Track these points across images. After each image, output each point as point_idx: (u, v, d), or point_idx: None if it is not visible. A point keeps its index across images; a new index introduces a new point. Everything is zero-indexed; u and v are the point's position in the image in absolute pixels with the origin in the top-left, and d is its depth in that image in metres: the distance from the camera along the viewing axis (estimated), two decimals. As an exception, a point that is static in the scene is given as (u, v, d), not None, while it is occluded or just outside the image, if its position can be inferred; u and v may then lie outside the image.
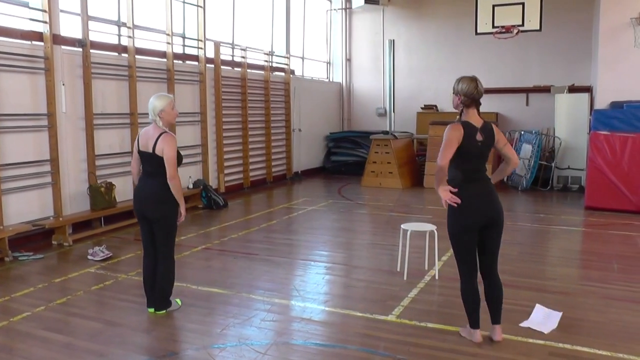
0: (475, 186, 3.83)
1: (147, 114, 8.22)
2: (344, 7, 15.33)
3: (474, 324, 4.01)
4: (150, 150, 4.32)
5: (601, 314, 4.57)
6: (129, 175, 8.23)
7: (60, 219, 6.95)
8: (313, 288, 5.33)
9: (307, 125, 13.65)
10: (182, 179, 8.94)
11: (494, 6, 10.43)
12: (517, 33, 10.41)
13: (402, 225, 5.74)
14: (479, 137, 3.79)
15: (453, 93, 3.87)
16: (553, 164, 11.19)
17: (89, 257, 6.14)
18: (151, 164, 4.37)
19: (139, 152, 4.44)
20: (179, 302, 4.71)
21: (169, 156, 4.27)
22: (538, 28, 10.23)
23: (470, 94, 3.78)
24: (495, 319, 4.01)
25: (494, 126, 3.91)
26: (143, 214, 4.47)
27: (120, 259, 6.24)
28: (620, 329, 4.24)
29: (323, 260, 6.35)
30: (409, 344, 3.99)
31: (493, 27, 10.49)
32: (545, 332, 4.16)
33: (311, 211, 9.21)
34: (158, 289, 4.55)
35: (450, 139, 3.77)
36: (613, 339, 4.05)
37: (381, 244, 7.05)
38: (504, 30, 10.40)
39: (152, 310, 4.58)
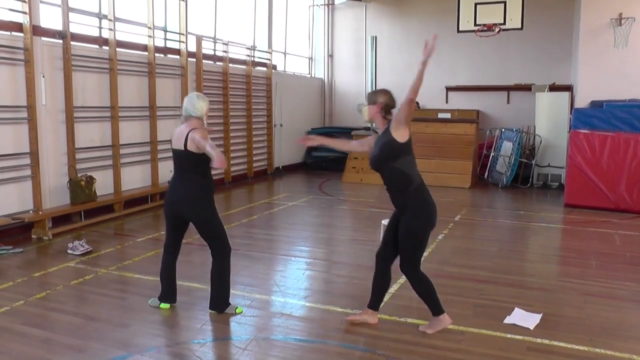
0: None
1: (128, 107, 8.32)
2: (326, 2, 15.31)
3: (440, 310, 4.16)
4: (182, 148, 4.24)
5: (579, 310, 4.64)
6: (109, 169, 8.18)
7: (40, 212, 6.86)
8: (293, 284, 5.34)
9: (288, 120, 13.62)
10: (162, 173, 9.05)
11: (476, 4, 10.50)
12: (498, 31, 10.50)
13: (382, 221, 5.74)
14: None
15: (372, 103, 4.09)
16: (533, 162, 11.32)
17: (69, 251, 6.06)
18: (186, 162, 4.29)
19: (172, 150, 4.37)
20: (240, 310, 4.54)
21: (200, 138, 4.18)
22: (520, 27, 10.33)
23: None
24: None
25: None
26: (179, 214, 4.37)
27: (100, 253, 6.17)
28: (598, 324, 4.31)
29: (303, 255, 6.36)
30: (388, 339, 4.01)
31: (475, 25, 10.56)
32: (531, 328, 4.21)
33: (292, 207, 9.20)
34: (215, 290, 4.47)
35: None
36: (590, 334, 4.12)
37: (362, 240, 7.08)
38: (485, 28, 10.48)
39: (166, 306, 4.55)
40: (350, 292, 5.04)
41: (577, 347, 3.91)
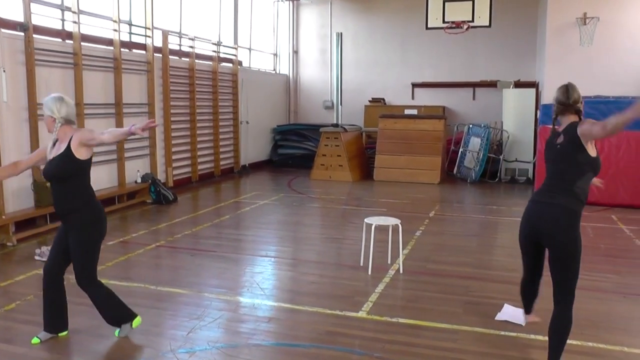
0: (538, 194, 3.56)
1: (94, 104, 7.96)
2: (291, -2, 15.14)
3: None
4: None
5: (566, 304, 4.65)
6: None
7: (3, 217, 6.46)
8: (278, 285, 5.21)
9: (254, 117, 13.39)
10: (129, 173, 8.74)
11: (444, 1, 10.53)
12: (467, 29, 10.56)
13: (365, 220, 5.67)
14: (559, 140, 3.44)
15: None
16: (501, 157, 11.46)
17: (37, 257, 5.72)
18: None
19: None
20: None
21: None
22: (488, 24, 10.41)
23: (559, 100, 3.48)
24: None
25: (578, 124, 3.37)
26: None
27: (70, 259, 5.86)
28: (586, 317, 4.33)
29: (283, 256, 6.23)
30: (383, 341, 3.93)
31: (443, 22, 10.59)
32: (523, 324, 4.19)
33: (263, 205, 9.02)
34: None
35: None
36: (581, 327, 4.10)
37: (339, 238, 6.99)
38: (454, 25, 10.52)
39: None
40: (337, 293, 4.93)
41: (570, 341, 3.84)
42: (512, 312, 4.41)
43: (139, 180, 8.95)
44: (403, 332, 4.08)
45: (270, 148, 14.55)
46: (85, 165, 3.74)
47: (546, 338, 3.89)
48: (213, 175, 11.83)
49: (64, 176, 3.71)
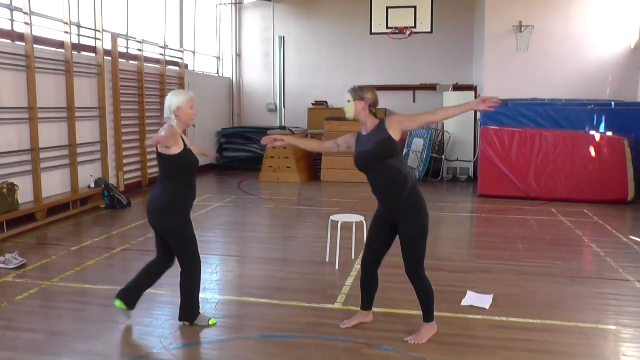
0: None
1: (46, 108, 7.78)
2: (233, 2, 15.18)
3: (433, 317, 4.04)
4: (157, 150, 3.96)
5: (522, 288, 5.07)
6: (28, 175, 7.61)
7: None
8: (251, 283, 5.34)
9: (199, 120, 13.18)
10: (82, 178, 8.57)
11: (387, 8, 10.94)
12: (410, 34, 11.01)
13: (331, 217, 5.91)
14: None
15: (359, 99, 3.91)
16: (443, 157, 12.01)
17: (1, 265, 5.55)
18: (160, 167, 4.04)
19: None
20: (214, 322, 4.28)
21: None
22: (430, 30, 10.90)
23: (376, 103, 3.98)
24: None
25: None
26: (151, 224, 4.08)
27: (36, 265, 5.74)
28: (542, 299, 4.76)
29: (250, 255, 6.40)
30: (363, 328, 4.15)
31: (387, 28, 11.00)
32: (487, 308, 4.55)
33: (218, 208, 9.08)
34: (183, 300, 4.24)
35: None
36: (539, 308, 4.54)
37: (300, 237, 7.21)
38: (397, 31, 10.95)
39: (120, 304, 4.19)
40: (310, 288, 5.11)
41: (531, 320, 4.30)
42: (475, 298, 4.76)
43: (93, 185, 8.80)
44: (380, 320, 4.31)
45: (215, 151, 14.52)
46: (170, 161, 3.95)
47: (510, 319, 4.32)
48: (162, 179, 11.71)
49: None
